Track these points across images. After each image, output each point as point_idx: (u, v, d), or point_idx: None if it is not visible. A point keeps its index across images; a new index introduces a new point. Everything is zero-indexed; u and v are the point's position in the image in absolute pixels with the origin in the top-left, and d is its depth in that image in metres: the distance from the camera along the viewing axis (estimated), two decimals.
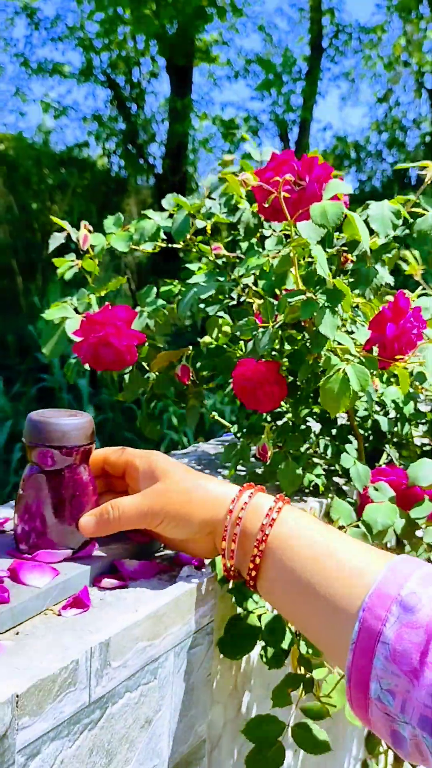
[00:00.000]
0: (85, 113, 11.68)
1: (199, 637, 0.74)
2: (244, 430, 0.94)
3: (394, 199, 0.82)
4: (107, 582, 0.72)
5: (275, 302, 0.83)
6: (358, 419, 1.02)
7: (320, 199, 0.76)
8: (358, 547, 0.64)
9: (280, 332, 0.87)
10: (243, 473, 1.15)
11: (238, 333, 0.85)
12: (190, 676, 0.73)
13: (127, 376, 0.94)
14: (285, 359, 0.89)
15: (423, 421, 1.10)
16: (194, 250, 1.01)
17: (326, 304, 0.75)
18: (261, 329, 0.83)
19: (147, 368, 0.97)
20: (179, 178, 10.64)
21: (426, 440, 1.25)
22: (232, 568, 0.70)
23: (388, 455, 1.06)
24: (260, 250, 0.88)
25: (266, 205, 0.75)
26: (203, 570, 0.76)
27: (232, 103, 14.55)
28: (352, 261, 0.87)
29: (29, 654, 0.57)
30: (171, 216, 0.98)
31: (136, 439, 5.02)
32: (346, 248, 0.88)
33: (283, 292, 0.89)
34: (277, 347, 0.89)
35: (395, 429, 1.05)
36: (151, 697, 0.67)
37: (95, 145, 12.15)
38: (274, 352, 0.89)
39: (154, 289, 0.94)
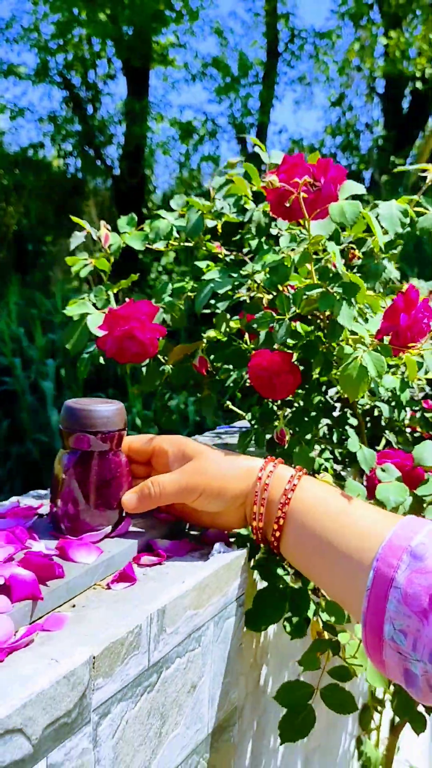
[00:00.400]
0: (40, 114, 11.58)
1: (233, 608, 0.79)
2: (257, 418, 0.99)
3: (400, 198, 0.88)
4: (146, 559, 0.77)
5: (290, 295, 0.88)
6: (360, 406, 1.09)
7: (336, 199, 0.82)
8: (370, 509, 0.73)
9: (293, 324, 0.92)
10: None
11: (255, 325, 0.90)
12: (226, 645, 0.78)
13: (144, 369, 0.99)
14: (296, 350, 0.94)
15: (416, 408, 1.17)
16: (203, 248, 1.05)
17: (343, 297, 0.81)
18: (278, 321, 0.88)
19: (162, 361, 1.02)
20: (137, 180, 10.64)
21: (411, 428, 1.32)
22: (260, 530, 0.76)
23: (387, 440, 1.13)
24: (275, 247, 0.93)
25: (288, 204, 0.81)
26: (232, 548, 0.81)
27: (190, 105, 14.62)
28: (359, 257, 0.93)
29: (91, 622, 0.62)
30: (182, 216, 1.02)
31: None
32: (353, 246, 0.94)
33: (288, 288, 0.95)
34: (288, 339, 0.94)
35: (392, 416, 1.11)
36: (196, 663, 0.72)
37: (50, 146, 12.06)
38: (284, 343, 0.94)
39: (170, 286, 0.99)
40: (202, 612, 0.72)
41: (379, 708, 1.50)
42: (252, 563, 0.86)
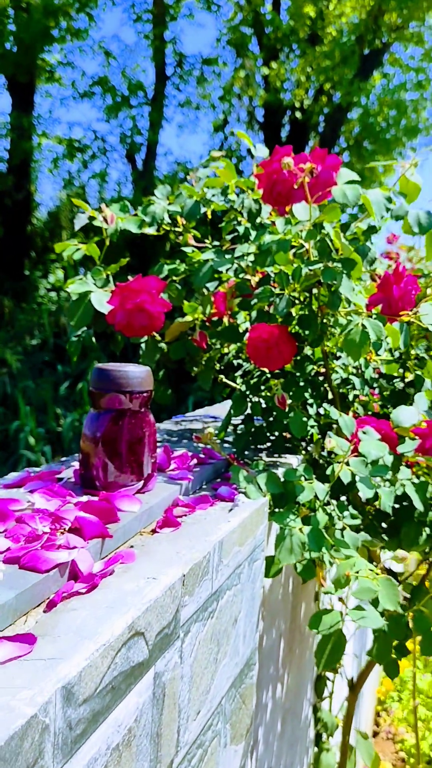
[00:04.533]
0: None
1: (259, 551, 0.85)
2: (250, 387, 1.06)
3: (382, 187, 1.00)
4: (178, 510, 0.82)
5: (288, 272, 0.97)
6: (335, 380, 1.19)
7: (335, 184, 0.92)
8: None
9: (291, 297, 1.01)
10: (229, 439, 1.28)
11: (254, 301, 0.98)
12: (254, 586, 0.84)
13: (143, 345, 1.04)
14: (291, 324, 1.03)
15: (375, 385, 1.29)
16: (188, 233, 1.12)
17: (342, 270, 0.91)
18: (278, 296, 0.97)
19: (158, 339, 1.07)
20: (24, 195, 10.46)
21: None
22: None
23: (355, 412, 1.24)
24: (271, 229, 1.02)
25: (296, 187, 0.90)
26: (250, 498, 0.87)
27: (79, 122, 14.53)
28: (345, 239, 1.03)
29: (160, 554, 0.67)
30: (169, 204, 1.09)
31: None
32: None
33: (273, 270, 1.04)
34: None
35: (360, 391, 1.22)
36: (237, 598, 0.78)
37: None
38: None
39: (166, 266, 1.05)
40: (242, 550, 0.78)
41: (331, 676, 1.59)
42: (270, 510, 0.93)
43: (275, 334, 0.99)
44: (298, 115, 11.71)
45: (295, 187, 0.90)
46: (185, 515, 0.82)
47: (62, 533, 0.64)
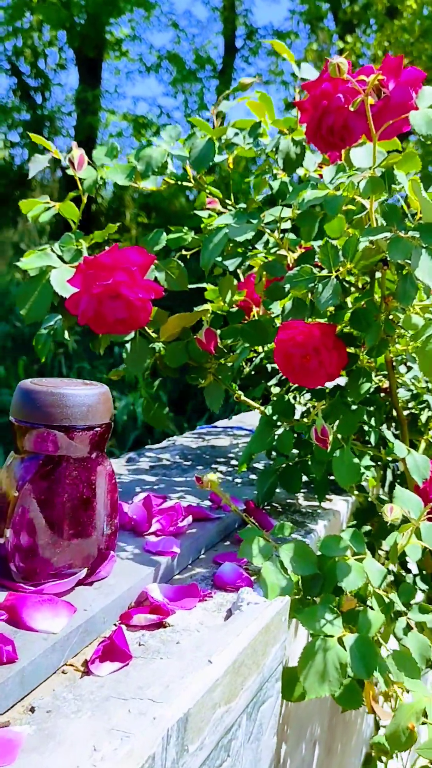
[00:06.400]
0: None
1: (269, 687, 0.54)
2: (278, 411, 0.74)
3: None
4: (141, 618, 0.52)
5: (338, 246, 0.64)
6: (401, 400, 0.86)
7: (414, 108, 0.59)
8: None
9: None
10: (259, 466, 0.97)
11: (287, 286, 0.66)
12: (259, 742, 0.53)
13: (128, 345, 0.73)
14: (340, 322, 0.71)
15: None
16: (206, 192, 0.81)
17: (422, 244, 0.58)
18: (321, 280, 0.64)
19: (152, 336, 0.76)
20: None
21: None
22: None
23: (429, 443, 0.90)
24: (313, 182, 0.69)
25: (352, 108, 0.57)
26: (259, 592, 0.56)
27: (144, 98, 14.31)
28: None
29: (62, 747, 0.36)
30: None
31: None
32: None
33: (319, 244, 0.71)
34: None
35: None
36: None
37: None
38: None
39: (164, 235, 0.74)
40: (234, 705, 0.47)
41: (384, 758, 1.27)
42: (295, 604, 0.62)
43: (315, 336, 0.66)
44: None
45: (351, 109, 0.58)
46: (154, 627, 0.51)
47: None
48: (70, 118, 10.79)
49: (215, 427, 1.31)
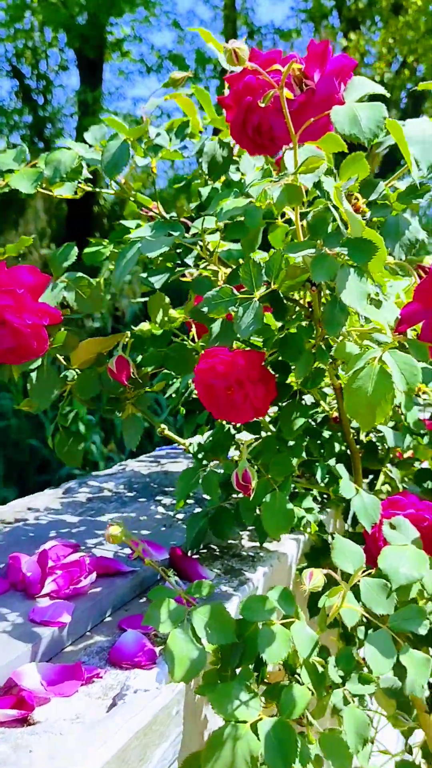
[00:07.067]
0: None
1: None
2: (206, 448, 0.66)
3: None
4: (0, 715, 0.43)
5: (262, 262, 0.56)
6: (353, 429, 0.77)
7: (341, 102, 0.50)
8: None
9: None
10: (195, 506, 0.88)
11: (205, 309, 0.57)
12: None
13: (34, 374, 0.65)
14: (268, 349, 0.62)
15: (423, 431, 0.86)
16: (131, 199, 0.73)
17: (350, 262, 0.49)
18: (242, 303, 0.56)
19: (65, 363, 0.68)
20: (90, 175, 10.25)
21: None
22: None
23: (388, 475, 0.82)
24: (236, 189, 0.60)
25: (262, 104, 0.48)
26: (163, 668, 0.48)
27: (144, 98, 14.23)
28: (364, 210, 0.61)
29: None
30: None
31: (42, 446, 4.59)
32: (356, 194, 0.62)
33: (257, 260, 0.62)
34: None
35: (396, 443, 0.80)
36: None
37: None
38: (254, 338, 0.62)
39: (75, 250, 0.65)
40: None
41: None
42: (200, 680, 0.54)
43: (239, 366, 0.58)
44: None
45: (261, 105, 0.49)
46: (16, 723, 0.43)
47: None
48: (72, 120, 10.74)
49: (175, 448, 1.23)
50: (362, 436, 0.84)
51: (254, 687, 0.55)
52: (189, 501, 0.89)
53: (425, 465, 0.95)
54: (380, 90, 0.51)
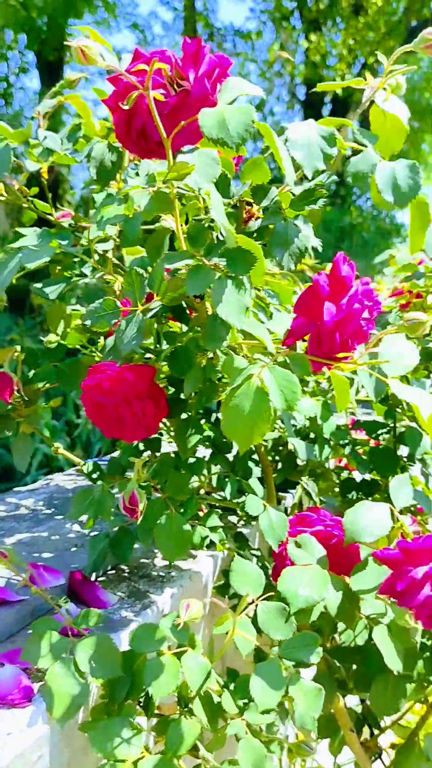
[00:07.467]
0: None
1: None
2: (101, 469, 0.63)
3: (323, 119, 0.54)
4: None
5: (146, 274, 0.53)
6: (265, 442, 0.75)
7: (213, 103, 0.48)
8: None
9: (155, 321, 0.58)
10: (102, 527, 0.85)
11: (87, 322, 0.54)
12: None
13: None
14: (163, 363, 0.59)
15: (345, 441, 0.84)
16: (25, 205, 0.70)
17: (228, 273, 0.47)
18: (126, 317, 0.53)
19: None
20: (53, 179, 10.16)
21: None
22: None
23: (305, 489, 0.79)
24: (121, 196, 0.58)
25: (126, 106, 0.46)
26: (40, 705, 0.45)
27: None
28: (258, 217, 0.59)
29: None
30: None
31: None
32: (248, 200, 0.59)
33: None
34: (152, 345, 0.60)
35: (312, 456, 0.78)
36: None
37: None
38: (148, 354, 0.59)
39: None
40: None
41: None
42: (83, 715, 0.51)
43: (127, 382, 0.55)
44: (339, 91, 11.17)
45: (125, 107, 0.46)
46: None
47: None
48: (33, 123, 10.66)
49: (102, 460, 1.19)
50: (280, 448, 0.81)
51: (142, 722, 0.52)
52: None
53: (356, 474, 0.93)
54: (258, 91, 0.48)
